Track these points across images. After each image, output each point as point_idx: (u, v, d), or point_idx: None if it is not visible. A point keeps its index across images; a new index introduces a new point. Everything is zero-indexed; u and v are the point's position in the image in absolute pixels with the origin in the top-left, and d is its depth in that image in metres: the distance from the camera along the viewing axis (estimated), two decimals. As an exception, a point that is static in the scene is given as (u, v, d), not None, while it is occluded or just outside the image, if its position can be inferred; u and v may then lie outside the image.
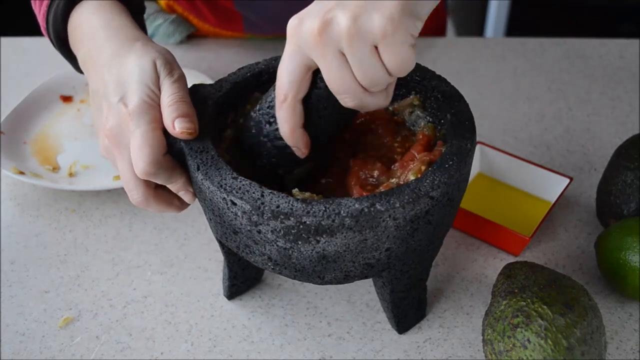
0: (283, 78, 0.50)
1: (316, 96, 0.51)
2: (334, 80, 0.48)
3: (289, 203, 0.49)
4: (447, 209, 0.54)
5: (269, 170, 0.57)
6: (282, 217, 0.49)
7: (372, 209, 0.49)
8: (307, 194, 0.53)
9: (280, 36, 1.04)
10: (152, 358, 0.63)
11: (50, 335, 0.65)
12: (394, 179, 0.56)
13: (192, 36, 1.07)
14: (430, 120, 0.60)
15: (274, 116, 0.54)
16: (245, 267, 0.65)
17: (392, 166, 0.57)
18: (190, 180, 0.56)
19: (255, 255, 0.55)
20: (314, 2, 0.49)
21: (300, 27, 0.48)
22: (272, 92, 0.55)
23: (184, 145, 0.54)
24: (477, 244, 0.74)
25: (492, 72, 1.00)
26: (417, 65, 0.61)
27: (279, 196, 0.49)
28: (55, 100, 0.91)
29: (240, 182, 0.51)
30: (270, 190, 0.50)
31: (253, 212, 0.50)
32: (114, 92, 0.56)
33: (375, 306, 0.67)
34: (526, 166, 0.77)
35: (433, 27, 1.11)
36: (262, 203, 0.49)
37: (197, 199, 0.58)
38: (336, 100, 0.50)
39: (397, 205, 0.49)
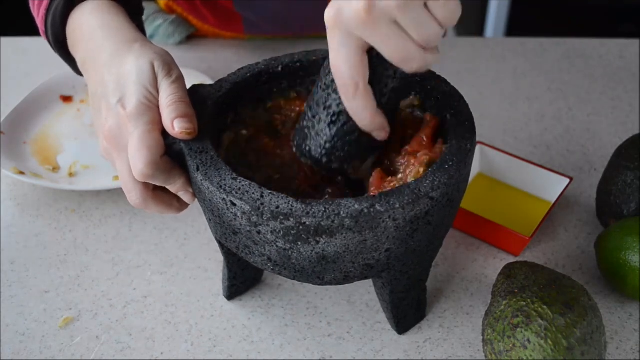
0: (343, 68, 0.50)
1: (377, 75, 0.51)
2: (394, 50, 0.48)
3: (288, 204, 0.49)
4: (447, 210, 0.54)
5: (336, 171, 0.57)
6: (281, 217, 0.49)
7: (371, 209, 0.48)
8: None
9: (280, 36, 1.04)
10: (152, 358, 0.63)
11: (50, 335, 0.65)
12: (400, 174, 0.56)
13: (192, 37, 1.07)
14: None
15: (335, 114, 0.53)
16: (245, 267, 0.65)
17: (402, 150, 0.57)
18: (189, 181, 0.56)
19: (254, 256, 0.54)
20: None
21: (341, 13, 0.48)
22: (322, 92, 0.54)
23: (183, 145, 0.54)
24: (477, 244, 0.74)
25: (492, 72, 1.00)
26: None
27: (278, 197, 0.49)
28: (55, 100, 0.92)
29: (240, 182, 0.51)
30: (269, 191, 0.50)
31: (252, 212, 0.49)
32: (113, 94, 0.56)
33: (375, 306, 0.67)
34: (526, 166, 0.77)
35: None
36: (262, 204, 0.49)
37: (196, 200, 0.58)
38: (391, 77, 0.51)
39: (397, 206, 0.49)
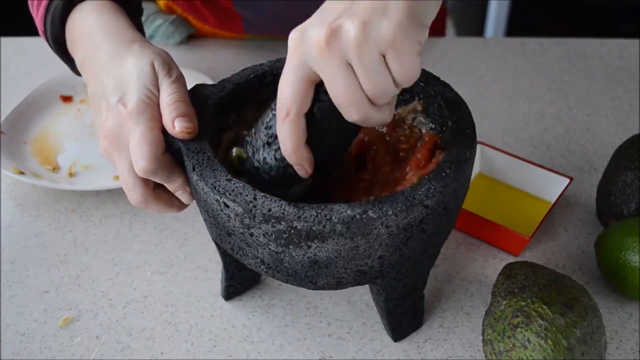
0: (285, 92, 0.48)
1: (320, 111, 0.49)
2: (340, 92, 0.46)
3: (280, 207, 0.49)
4: (443, 219, 0.53)
5: (267, 190, 0.55)
6: (273, 221, 0.48)
7: (364, 215, 0.48)
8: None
9: (280, 37, 1.04)
10: (152, 358, 0.63)
11: (50, 335, 0.65)
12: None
13: (192, 37, 1.07)
14: (432, 126, 0.60)
15: (272, 136, 0.52)
16: (242, 268, 0.65)
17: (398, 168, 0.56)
18: (187, 181, 0.56)
19: (248, 258, 0.54)
20: (316, 13, 0.48)
21: (304, 38, 0.46)
22: (270, 112, 0.53)
23: (182, 145, 0.54)
24: (477, 244, 0.74)
25: (492, 72, 1.00)
26: (422, 70, 0.60)
27: (271, 200, 0.49)
28: (55, 100, 0.91)
29: (234, 184, 0.50)
30: (263, 194, 0.49)
31: (245, 214, 0.49)
32: (113, 93, 0.56)
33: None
34: (526, 166, 0.77)
35: (433, 27, 1.10)
36: (254, 206, 0.49)
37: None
38: (340, 116, 0.48)
39: (390, 212, 0.48)
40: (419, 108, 0.60)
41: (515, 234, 0.70)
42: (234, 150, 0.57)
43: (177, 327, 0.66)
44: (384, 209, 0.48)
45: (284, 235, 0.49)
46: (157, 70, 0.57)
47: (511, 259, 0.72)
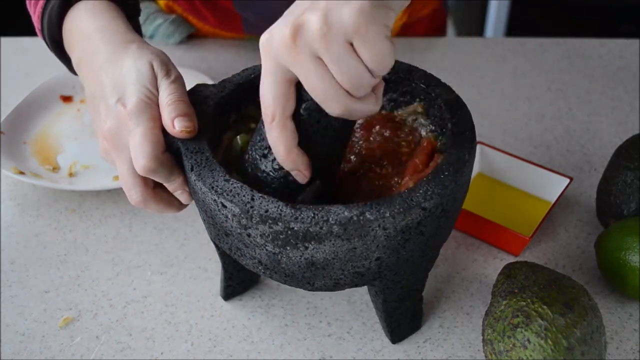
0: (266, 97, 0.47)
1: (305, 110, 0.48)
2: (314, 87, 0.45)
3: (278, 208, 0.48)
4: (442, 221, 0.52)
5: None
6: (270, 221, 0.48)
7: (361, 217, 0.48)
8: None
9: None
10: (152, 358, 0.63)
11: (50, 335, 0.65)
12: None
13: (192, 36, 1.07)
14: (433, 128, 0.60)
15: (267, 147, 0.52)
16: (241, 268, 0.65)
17: (396, 179, 0.56)
18: (187, 181, 0.56)
19: (246, 259, 0.54)
20: (284, 14, 0.47)
21: (272, 40, 0.46)
22: (261, 124, 0.52)
23: (180, 145, 0.54)
24: (477, 244, 0.74)
25: (492, 72, 1.00)
26: (423, 72, 0.60)
27: (268, 200, 0.49)
28: (55, 100, 0.91)
29: (232, 184, 0.50)
30: (260, 194, 0.49)
31: (242, 215, 0.49)
32: (112, 94, 0.56)
33: (375, 306, 0.67)
34: (526, 166, 0.77)
35: (433, 27, 1.11)
36: (252, 207, 0.49)
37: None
38: (323, 115, 0.48)
39: (387, 214, 0.48)
40: (420, 110, 0.60)
41: (515, 234, 0.70)
42: (238, 139, 0.57)
43: (177, 327, 0.66)
44: (382, 210, 0.48)
45: (281, 236, 0.49)
46: (156, 71, 0.57)
47: (511, 259, 0.72)
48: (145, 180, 0.56)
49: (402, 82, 0.61)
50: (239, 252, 0.54)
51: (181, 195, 0.57)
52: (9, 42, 1.08)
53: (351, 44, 0.44)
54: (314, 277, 0.53)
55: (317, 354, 0.63)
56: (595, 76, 0.99)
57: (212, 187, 0.50)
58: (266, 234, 0.50)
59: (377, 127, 0.61)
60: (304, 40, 0.44)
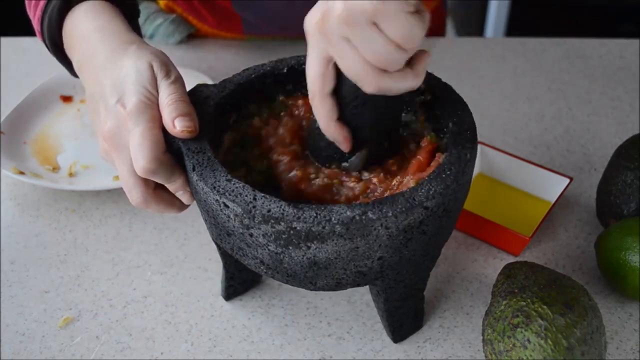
0: (309, 75, 0.51)
1: (345, 87, 0.51)
2: (347, 67, 0.48)
3: (280, 208, 0.49)
4: (443, 220, 0.53)
5: (328, 162, 0.58)
6: (272, 221, 0.48)
7: (363, 217, 0.48)
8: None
9: (279, 37, 1.04)
10: (152, 358, 0.63)
11: (50, 335, 0.65)
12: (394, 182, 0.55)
13: (192, 37, 1.07)
14: (434, 128, 0.59)
15: None
16: (242, 268, 0.65)
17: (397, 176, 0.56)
18: (188, 181, 0.56)
19: (248, 258, 0.54)
20: None
21: (311, 21, 0.49)
22: None
23: (181, 145, 0.54)
24: (477, 244, 0.74)
25: (492, 72, 1.00)
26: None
27: (270, 200, 0.49)
28: (55, 100, 0.92)
29: (234, 184, 0.50)
30: (262, 194, 0.49)
31: (245, 215, 0.49)
32: (111, 94, 0.56)
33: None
34: (526, 166, 0.77)
35: (433, 27, 1.11)
36: (254, 207, 0.49)
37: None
38: (360, 92, 0.50)
39: (390, 214, 0.48)
40: (421, 110, 0.60)
41: (515, 234, 0.70)
42: None
43: (177, 327, 0.66)
44: (384, 210, 0.48)
45: (284, 236, 0.49)
46: (156, 72, 0.57)
47: (511, 259, 0.72)
48: (146, 181, 0.56)
49: None
50: (241, 252, 0.54)
51: (183, 196, 0.57)
52: (9, 42, 1.08)
53: (375, 24, 0.46)
54: (316, 277, 0.53)
55: (317, 354, 0.63)
56: (595, 76, 0.99)
57: (214, 187, 0.50)
58: (268, 234, 0.50)
59: None
60: (331, 24, 0.47)
